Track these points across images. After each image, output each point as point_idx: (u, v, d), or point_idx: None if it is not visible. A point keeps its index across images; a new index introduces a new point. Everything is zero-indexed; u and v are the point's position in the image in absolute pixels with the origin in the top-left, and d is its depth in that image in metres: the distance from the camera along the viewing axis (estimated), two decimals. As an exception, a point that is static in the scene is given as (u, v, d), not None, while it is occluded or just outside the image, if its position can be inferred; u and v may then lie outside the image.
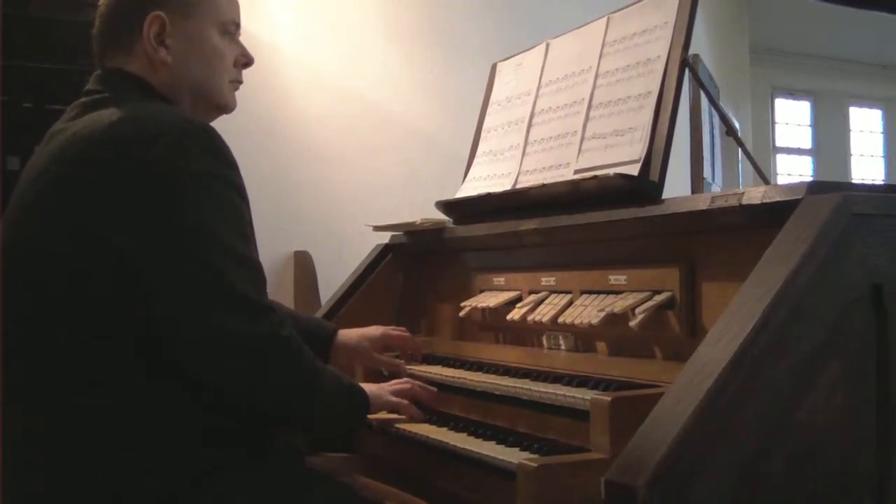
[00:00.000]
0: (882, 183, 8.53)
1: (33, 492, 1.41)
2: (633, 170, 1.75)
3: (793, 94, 8.91)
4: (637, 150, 1.77)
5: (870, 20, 7.35)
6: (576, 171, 1.92)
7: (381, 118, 4.33)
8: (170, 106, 1.57)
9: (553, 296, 1.88)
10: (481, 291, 2.12)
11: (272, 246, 3.85)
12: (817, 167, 8.94)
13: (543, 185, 1.92)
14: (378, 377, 2.05)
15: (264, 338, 1.42)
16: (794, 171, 8.88)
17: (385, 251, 2.46)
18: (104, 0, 1.62)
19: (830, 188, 1.33)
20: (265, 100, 3.96)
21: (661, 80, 1.79)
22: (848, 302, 1.24)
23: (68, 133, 1.48)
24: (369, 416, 1.75)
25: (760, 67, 7.82)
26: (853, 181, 7.69)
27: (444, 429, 1.75)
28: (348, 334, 2.03)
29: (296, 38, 4.16)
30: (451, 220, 2.29)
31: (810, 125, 9.07)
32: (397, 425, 1.81)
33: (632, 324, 1.62)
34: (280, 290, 3.85)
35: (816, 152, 9.02)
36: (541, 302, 1.89)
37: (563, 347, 1.88)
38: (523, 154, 2.14)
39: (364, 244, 2.56)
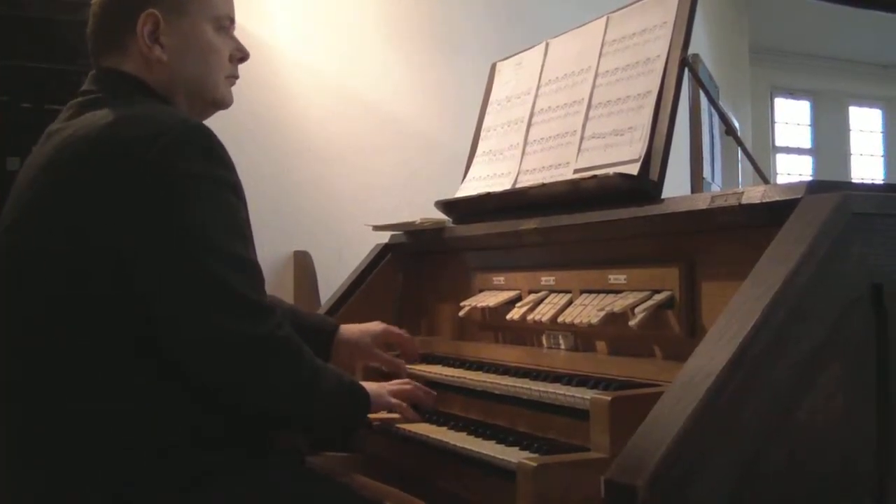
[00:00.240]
0: (882, 182, 8.53)
1: (32, 492, 1.41)
2: (633, 169, 1.75)
3: (792, 93, 8.91)
4: (636, 149, 1.77)
5: (869, 20, 7.35)
6: (575, 171, 1.92)
7: (380, 118, 4.34)
8: (167, 106, 1.56)
9: (553, 295, 1.88)
10: (481, 291, 2.12)
11: (272, 246, 3.85)
12: (817, 167, 8.94)
13: (543, 185, 1.92)
14: (378, 375, 2.05)
15: (263, 338, 1.42)
16: (793, 170, 8.87)
17: (385, 251, 2.46)
18: None
19: (830, 188, 1.33)
20: (265, 100, 3.96)
21: (660, 80, 1.79)
22: (848, 302, 1.24)
23: (65, 133, 1.48)
24: (369, 416, 1.74)
25: (760, 67, 7.81)
26: (853, 181, 7.69)
27: (444, 428, 1.75)
28: (350, 329, 2.02)
29: (296, 38, 4.16)
30: (450, 219, 2.29)
31: (810, 125, 9.06)
32: (397, 425, 1.81)
33: (631, 323, 1.62)
34: (280, 290, 3.84)
35: (816, 152, 9.02)
36: (540, 301, 1.89)
37: (562, 347, 1.87)
38: (523, 153, 2.14)
39: (364, 244, 2.56)
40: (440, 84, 4.47)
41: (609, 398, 1.40)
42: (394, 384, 1.86)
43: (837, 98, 9.06)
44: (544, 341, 1.93)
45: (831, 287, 1.23)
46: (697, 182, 3.09)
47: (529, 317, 1.86)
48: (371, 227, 2.42)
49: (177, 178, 1.40)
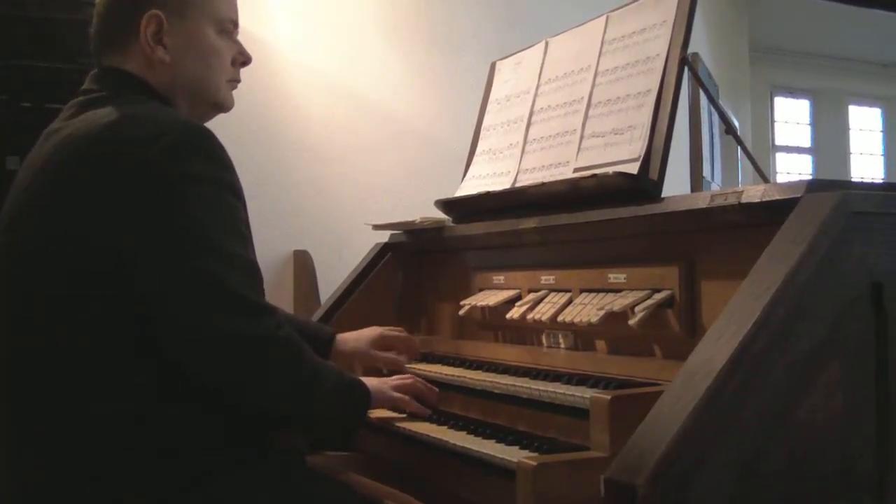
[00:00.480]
0: (881, 181, 8.53)
1: (33, 492, 1.41)
2: (633, 168, 1.75)
3: (792, 92, 8.90)
4: (636, 148, 1.77)
5: (869, 19, 7.35)
6: (575, 170, 1.92)
7: (380, 117, 4.34)
8: (167, 106, 1.56)
9: (552, 294, 1.88)
10: (481, 290, 2.12)
11: (272, 245, 3.85)
12: (817, 166, 8.94)
13: (543, 184, 1.92)
14: (378, 375, 2.05)
15: (263, 338, 1.42)
16: (793, 169, 8.87)
17: (384, 250, 2.46)
18: None
19: (830, 186, 1.33)
20: (265, 99, 3.96)
21: (660, 79, 1.79)
22: (847, 301, 1.24)
23: (64, 133, 1.48)
24: (370, 414, 1.74)
25: (760, 66, 7.82)
26: (852, 179, 7.68)
27: (444, 427, 1.75)
28: (345, 338, 2.03)
29: (295, 38, 4.16)
30: (450, 218, 2.29)
31: (810, 124, 9.06)
32: (397, 424, 1.81)
33: (631, 322, 1.62)
34: (279, 290, 3.85)
35: (816, 151, 9.01)
36: (540, 300, 1.89)
37: (562, 346, 1.88)
38: (522, 152, 2.14)
39: (364, 243, 2.56)
40: (440, 83, 4.47)
41: (609, 397, 1.40)
42: (395, 379, 1.86)
43: (837, 97, 9.06)
44: (544, 340, 1.93)
45: (831, 286, 1.23)
46: (697, 181, 3.10)
47: (529, 316, 1.86)
48: (371, 227, 2.42)
49: (177, 178, 1.40)
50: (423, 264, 2.42)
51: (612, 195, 1.73)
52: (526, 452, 1.47)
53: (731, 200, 1.47)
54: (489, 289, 2.09)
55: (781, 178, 8.02)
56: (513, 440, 1.56)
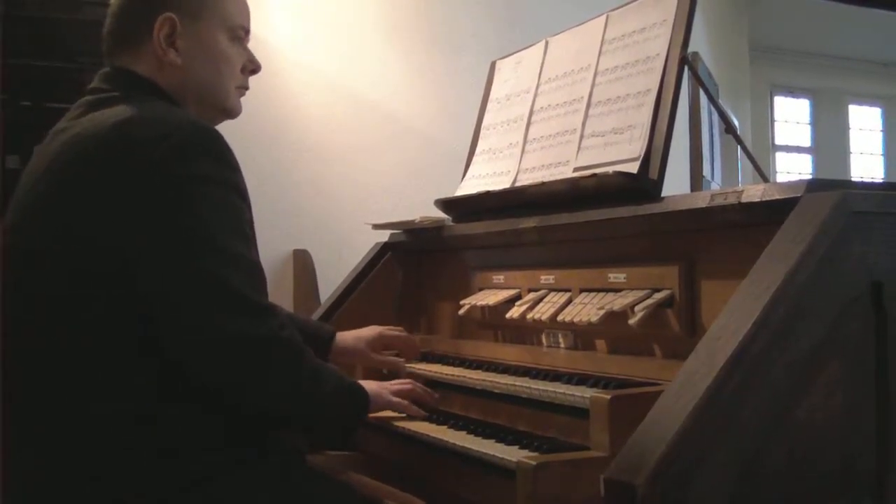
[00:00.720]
0: (881, 181, 8.53)
1: (34, 492, 1.41)
2: (633, 168, 1.74)
3: (792, 91, 8.90)
4: (636, 148, 1.77)
5: (869, 18, 7.35)
6: (575, 169, 1.92)
7: (380, 117, 4.34)
8: (175, 107, 1.57)
9: (552, 294, 1.88)
10: (480, 289, 2.12)
11: (272, 244, 3.85)
12: (816, 165, 8.94)
13: (543, 183, 1.92)
14: (378, 376, 2.05)
15: (265, 338, 1.42)
16: (793, 169, 8.87)
17: (384, 249, 2.46)
18: None
19: (830, 186, 1.33)
20: (265, 99, 3.96)
21: (660, 78, 1.79)
22: (847, 300, 1.24)
23: (71, 132, 1.48)
24: (370, 416, 1.74)
25: (760, 65, 7.81)
26: (852, 179, 7.69)
27: (444, 427, 1.75)
28: (345, 337, 2.03)
29: (296, 38, 4.16)
30: (450, 218, 2.29)
31: (809, 123, 9.06)
32: (397, 424, 1.81)
33: (631, 322, 1.62)
34: (279, 289, 3.85)
35: (816, 150, 9.01)
36: (540, 300, 1.89)
37: (562, 345, 1.87)
38: (522, 152, 2.14)
39: (363, 242, 2.56)
40: (439, 83, 4.47)
41: (609, 397, 1.40)
42: (394, 384, 1.86)
43: (837, 96, 9.06)
44: (544, 340, 1.93)
45: (831, 285, 1.23)
46: (697, 181, 3.09)
47: (529, 315, 1.86)
48: (371, 226, 2.42)
49: (183, 178, 1.40)
50: (423, 264, 2.42)
51: (612, 195, 1.73)
52: (526, 452, 1.47)
53: (731, 200, 1.47)
54: (489, 288, 2.09)
55: (781, 178, 8.02)
56: (512, 440, 1.56)
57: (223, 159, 1.46)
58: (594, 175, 1.77)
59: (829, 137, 9.01)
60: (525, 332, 1.99)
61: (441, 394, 1.91)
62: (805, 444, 1.19)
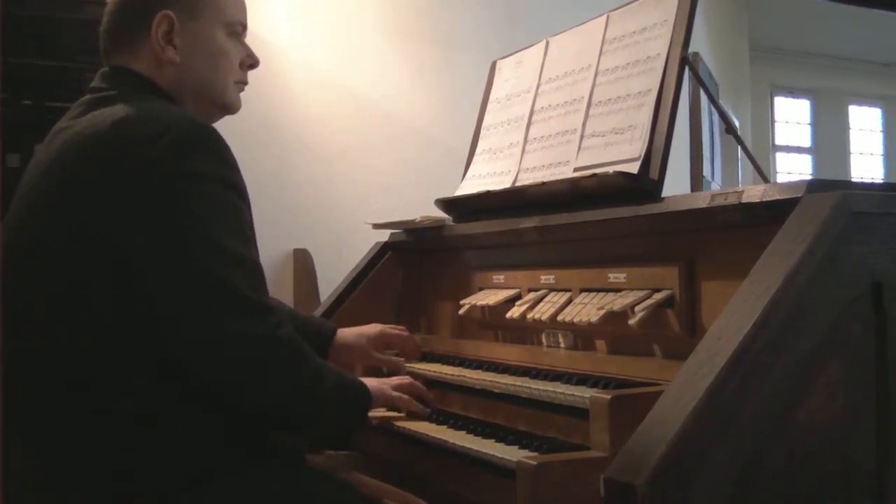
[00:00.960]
0: (881, 181, 8.53)
1: (33, 491, 1.41)
2: (633, 168, 1.74)
3: (792, 92, 8.90)
4: (636, 148, 1.77)
5: (869, 18, 7.35)
6: (575, 169, 1.92)
7: (380, 116, 4.33)
8: (174, 105, 1.57)
9: (552, 294, 1.88)
10: (481, 289, 2.12)
11: (272, 244, 3.85)
12: (817, 165, 8.94)
13: (543, 183, 1.92)
14: (377, 375, 2.05)
15: (265, 338, 1.42)
16: (793, 169, 8.88)
17: (385, 249, 2.46)
18: None
19: (830, 186, 1.33)
20: (265, 98, 3.95)
21: (660, 78, 1.79)
22: (848, 300, 1.24)
23: (72, 131, 1.48)
24: (371, 413, 1.74)
25: (760, 65, 7.81)
26: (852, 179, 7.68)
27: (444, 427, 1.75)
28: (346, 333, 2.03)
29: (295, 38, 4.16)
30: (450, 217, 2.29)
31: (810, 123, 9.06)
32: (397, 423, 1.81)
33: (631, 322, 1.62)
34: (279, 288, 3.84)
35: (816, 151, 9.02)
36: (540, 300, 1.89)
37: (562, 345, 1.87)
38: (523, 152, 2.14)
39: (364, 242, 2.56)
40: (440, 82, 4.46)
41: (609, 397, 1.40)
42: (394, 380, 1.86)
43: (837, 97, 9.06)
44: (544, 340, 1.93)
45: (831, 286, 1.23)
46: (697, 181, 3.10)
47: (529, 315, 1.86)
48: (371, 225, 2.42)
49: (182, 177, 1.40)
50: (424, 263, 2.42)
51: (613, 195, 1.73)
52: (526, 452, 1.47)
53: (732, 200, 1.47)
54: (489, 288, 2.09)
55: (781, 178, 8.01)
56: (512, 440, 1.56)
57: (220, 156, 1.46)
58: (594, 175, 1.77)
59: (829, 138, 9.01)
60: (525, 331, 1.99)
61: (441, 393, 1.91)
62: (805, 445, 1.19)
